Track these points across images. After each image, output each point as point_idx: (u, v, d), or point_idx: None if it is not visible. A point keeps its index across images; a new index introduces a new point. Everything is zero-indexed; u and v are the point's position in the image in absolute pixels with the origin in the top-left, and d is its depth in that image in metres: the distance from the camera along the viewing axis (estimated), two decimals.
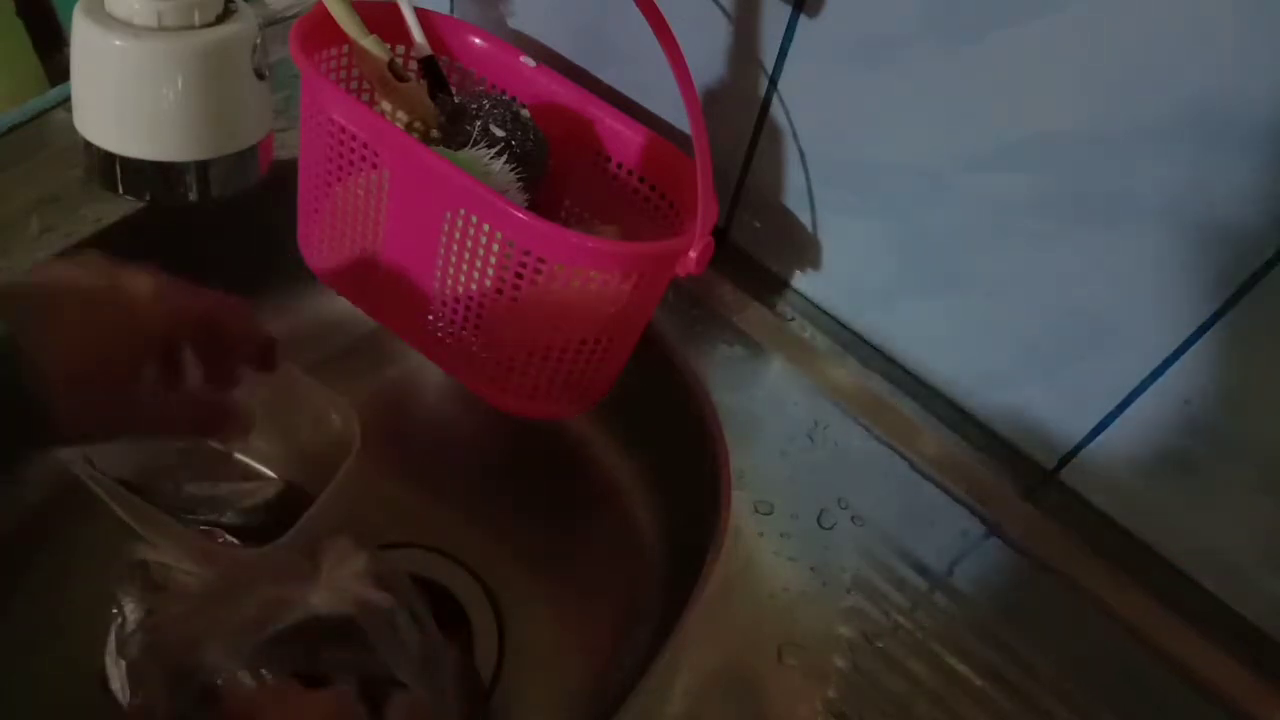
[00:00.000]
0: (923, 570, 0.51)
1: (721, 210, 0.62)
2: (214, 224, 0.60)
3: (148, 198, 0.46)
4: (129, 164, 0.45)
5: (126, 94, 0.43)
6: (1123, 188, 0.44)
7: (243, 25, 0.44)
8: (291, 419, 0.56)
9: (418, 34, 0.56)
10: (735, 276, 0.63)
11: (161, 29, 0.42)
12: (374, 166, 0.50)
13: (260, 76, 0.46)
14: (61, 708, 0.52)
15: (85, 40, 0.43)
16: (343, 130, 0.49)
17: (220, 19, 0.44)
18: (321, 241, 0.57)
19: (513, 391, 0.53)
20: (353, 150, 0.50)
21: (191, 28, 0.43)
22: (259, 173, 0.49)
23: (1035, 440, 0.56)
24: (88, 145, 0.45)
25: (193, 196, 0.47)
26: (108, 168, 0.46)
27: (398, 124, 0.54)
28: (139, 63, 0.42)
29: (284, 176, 0.55)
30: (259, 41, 0.45)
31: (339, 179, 0.52)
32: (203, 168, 0.46)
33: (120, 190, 0.46)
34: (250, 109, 0.47)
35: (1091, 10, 0.41)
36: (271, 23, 0.72)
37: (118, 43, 0.42)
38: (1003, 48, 0.45)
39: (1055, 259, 0.49)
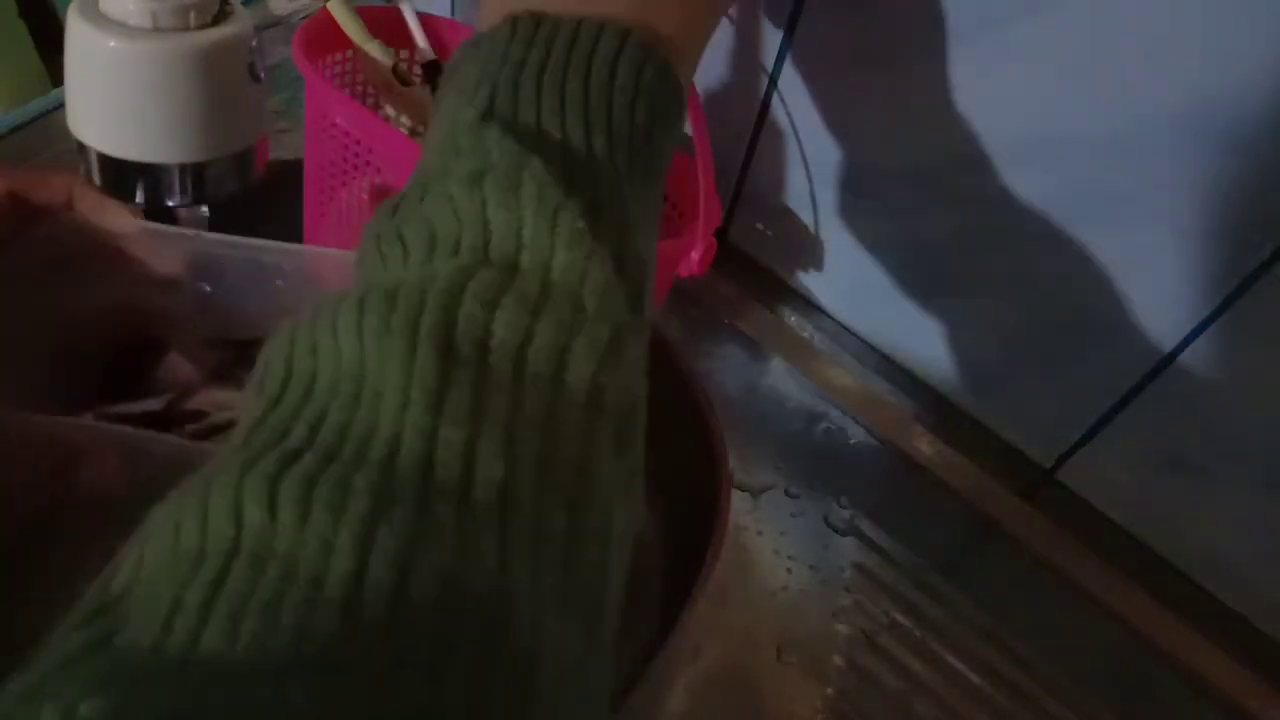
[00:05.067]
0: (921, 569, 0.52)
1: (722, 210, 0.62)
2: (217, 225, 0.60)
3: (140, 200, 0.46)
4: (123, 166, 0.45)
5: (120, 95, 0.43)
6: (1123, 188, 0.44)
7: (239, 27, 0.44)
8: None
9: (421, 38, 0.56)
10: (735, 277, 0.63)
11: (156, 30, 0.42)
12: (378, 171, 0.50)
13: (256, 79, 0.46)
14: None
15: (79, 40, 0.42)
16: (347, 135, 0.49)
17: (216, 20, 0.44)
18: (327, 245, 0.57)
19: None
20: (357, 155, 0.50)
21: (187, 29, 0.43)
22: (255, 176, 0.49)
23: (1033, 439, 0.56)
24: (82, 146, 0.45)
25: (186, 199, 0.47)
26: (102, 169, 0.46)
27: (401, 129, 0.54)
28: (133, 63, 0.42)
29: (286, 177, 0.56)
30: (255, 44, 0.45)
31: (344, 184, 0.52)
32: (197, 170, 0.46)
33: (113, 193, 0.46)
34: (246, 111, 0.47)
35: (1091, 10, 0.41)
36: (273, 24, 0.72)
37: (112, 43, 0.42)
38: (1003, 48, 0.45)
39: (1054, 259, 0.49)
